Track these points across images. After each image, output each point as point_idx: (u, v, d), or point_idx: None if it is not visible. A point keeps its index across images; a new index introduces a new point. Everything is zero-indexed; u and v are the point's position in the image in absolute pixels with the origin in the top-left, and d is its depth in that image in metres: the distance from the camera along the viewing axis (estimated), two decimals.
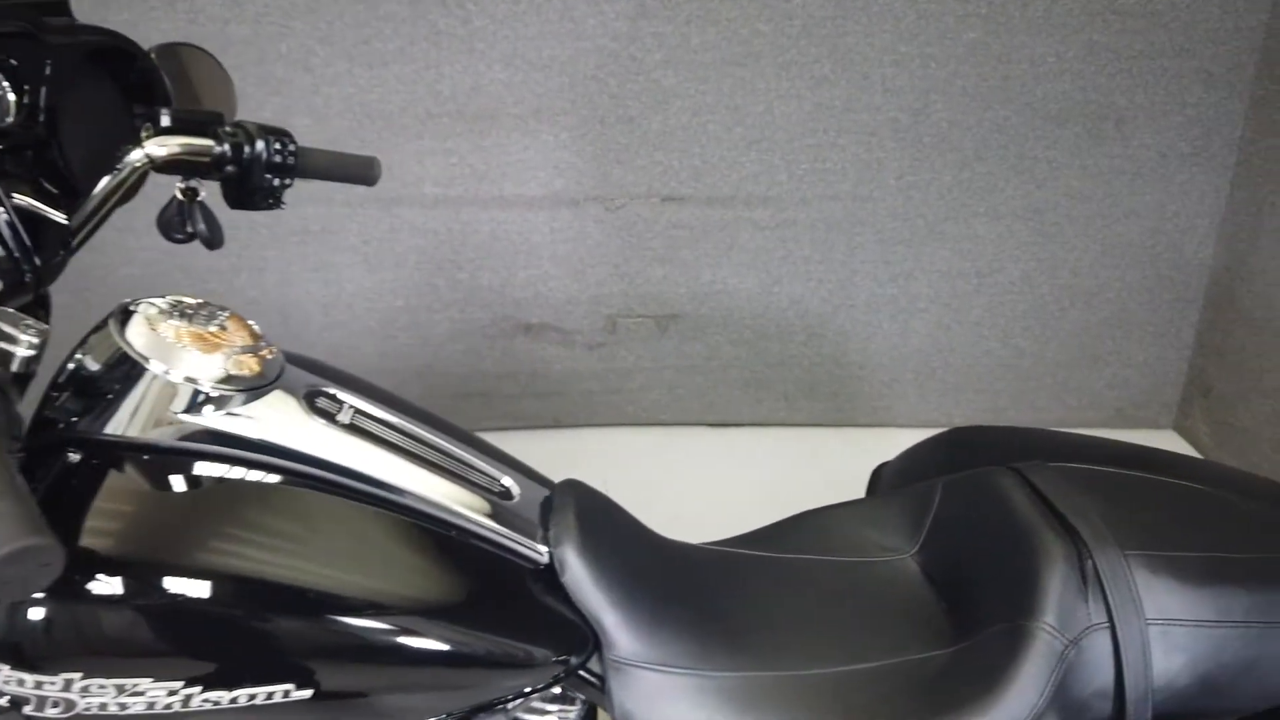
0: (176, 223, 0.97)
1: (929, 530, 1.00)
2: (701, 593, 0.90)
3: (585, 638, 0.83)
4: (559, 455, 2.78)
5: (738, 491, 2.52)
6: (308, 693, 0.71)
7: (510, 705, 0.85)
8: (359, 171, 1.05)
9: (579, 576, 0.82)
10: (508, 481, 0.91)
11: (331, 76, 2.32)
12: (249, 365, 0.82)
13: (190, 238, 0.98)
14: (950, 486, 1.01)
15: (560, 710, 0.90)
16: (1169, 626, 0.82)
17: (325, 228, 2.46)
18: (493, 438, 2.86)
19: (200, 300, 0.90)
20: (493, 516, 0.85)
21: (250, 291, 2.52)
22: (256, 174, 0.93)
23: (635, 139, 2.43)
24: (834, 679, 0.84)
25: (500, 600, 0.82)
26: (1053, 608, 0.82)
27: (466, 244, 2.54)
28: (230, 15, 2.24)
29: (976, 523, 0.95)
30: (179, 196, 0.96)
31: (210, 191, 1.02)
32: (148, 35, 2.34)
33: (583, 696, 0.89)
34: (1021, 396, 2.77)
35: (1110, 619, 0.81)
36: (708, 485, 2.62)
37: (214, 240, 0.96)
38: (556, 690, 0.88)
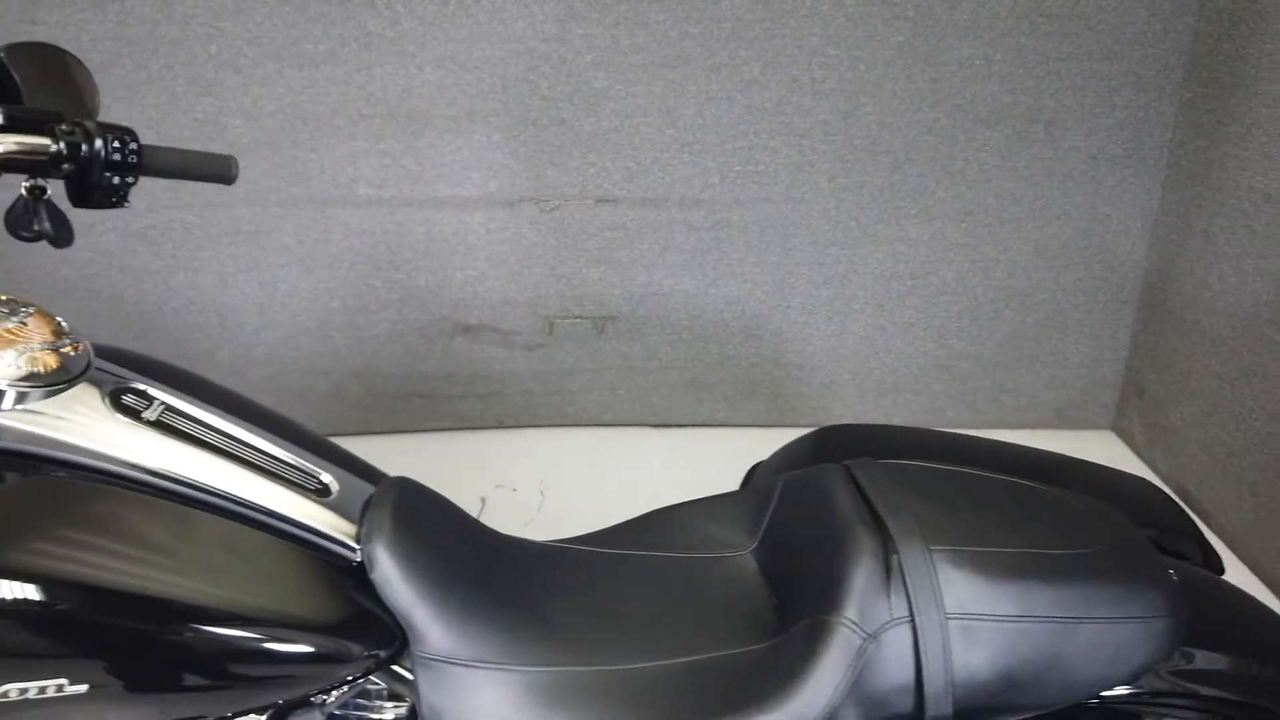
0: (23, 221, 0.98)
1: (766, 527, 1.01)
2: (525, 589, 0.91)
3: (393, 634, 0.84)
4: (500, 456, 2.79)
5: (679, 492, 2.51)
6: (82, 688, 0.71)
7: (326, 702, 0.86)
8: (214, 170, 1.05)
9: (387, 573, 0.83)
10: (327, 478, 0.91)
11: (262, 77, 2.32)
12: (46, 361, 0.83)
13: (37, 236, 0.98)
14: (788, 484, 1.02)
15: (394, 707, 0.91)
16: (970, 621, 0.83)
17: (259, 229, 2.47)
18: (435, 439, 2.87)
19: (6, 296, 0.90)
20: (304, 514, 0.85)
21: (187, 292, 2.53)
22: (96, 172, 0.93)
23: (568, 140, 2.44)
24: (646, 674, 0.85)
25: (305, 597, 0.82)
26: (854, 603, 0.83)
27: (402, 245, 2.54)
28: (160, 16, 2.25)
29: (803, 520, 0.96)
30: (24, 195, 0.96)
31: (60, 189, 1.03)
32: (77, 37, 2.35)
33: (405, 694, 0.90)
34: (960, 397, 2.79)
35: (911, 614, 0.83)
36: (649, 486, 2.62)
37: (60, 239, 0.96)
38: (380, 686, 0.89)
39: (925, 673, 0.82)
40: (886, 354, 2.73)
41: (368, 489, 0.93)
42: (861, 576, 0.84)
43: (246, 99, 2.34)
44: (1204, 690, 0.93)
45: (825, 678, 0.81)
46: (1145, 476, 2.57)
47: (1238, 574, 2.20)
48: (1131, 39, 2.38)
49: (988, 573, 0.84)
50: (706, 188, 2.50)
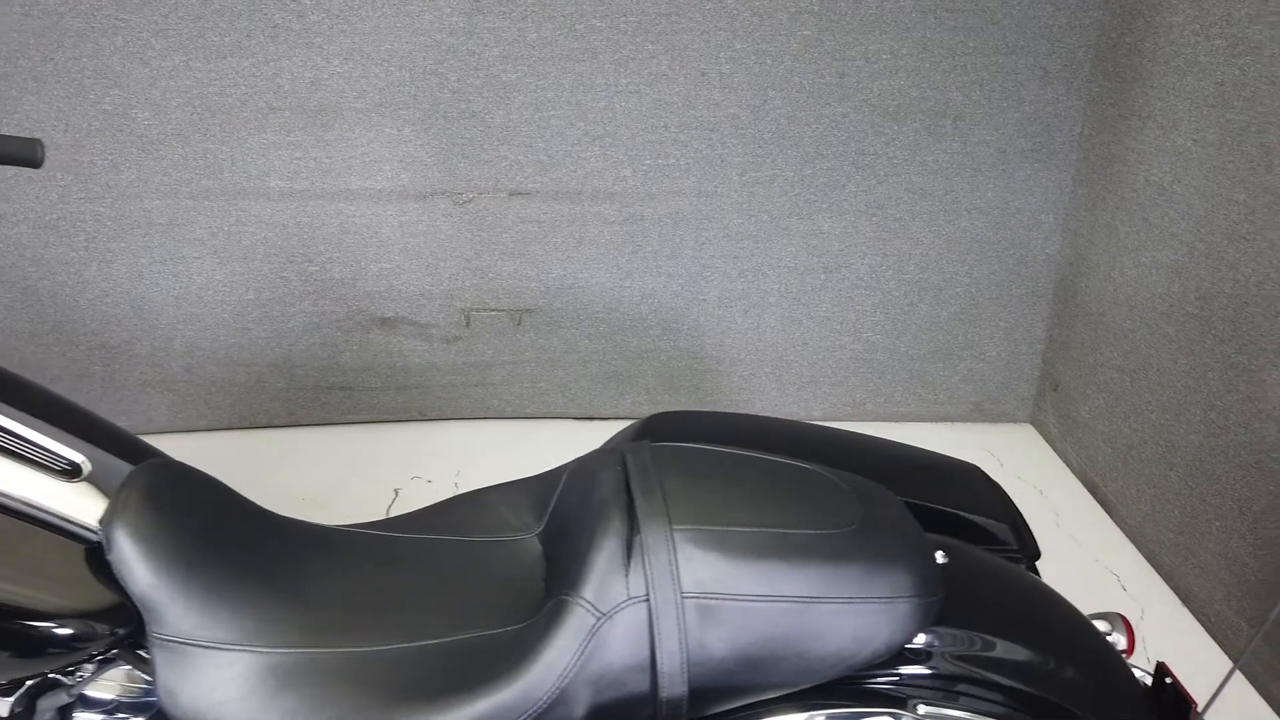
0: None
1: (551, 511, 1.02)
2: (287, 571, 0.92)
3: (131, 615, 0.85)
4: (421, 448, 2.80)
5: None
6: None
7: (70, 683, 0.87)
8: (19, 153, 1.06)
9: (124, 553, 0.83)
10: (78, 458, 0.92)
11: (169, 70, 2.33)
12: None
13: None
14: (573, 468, 1.03)
15: (144, 688, 0.92)
16: (707, 600, 0.84)
17: (171, 220, 2.48)
18: (358, 431, 2.87)
19: None
20: (45, 494, 0.86)
21: (101, 284, 2.53)
22: None
23: (479, 133, 2.45)
24: (389, 655, 0.86)
25: (39, 578, 0.83)
26: (592, 582, 0.84)
27: (315, 237, 2.55)
28: (65, 8, 2.25)
29: (576, 503, 0.97)
30: None
31: None
32: None
33: (148, 675, 0.91)
34: (878, 391, 2.80)
35: (648, 593, 0.84)
36: None
37: None
38: (127, 668, 0.90)
39: (658, 651, 0.83)
40: (804, 347, 2.75)
41: (124, 468, 0.93)
42: (603, 557, 0.85)
43: (155, 91, 2.35)
44: (996, 678, 0.93)
45: (555, 657, 0.82)
46: (1055, 469, 2.60)
47: (1136, 569, 2.22)
48: (1036, 32, 2.39)
49: (728, 551, 0.85)
50: (619, 181, 2.52)
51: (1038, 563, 1.23)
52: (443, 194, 2.52)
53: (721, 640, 0.84)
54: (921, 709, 0.89)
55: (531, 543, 1.01)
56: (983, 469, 1.32)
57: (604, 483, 0.93)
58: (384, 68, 2.38)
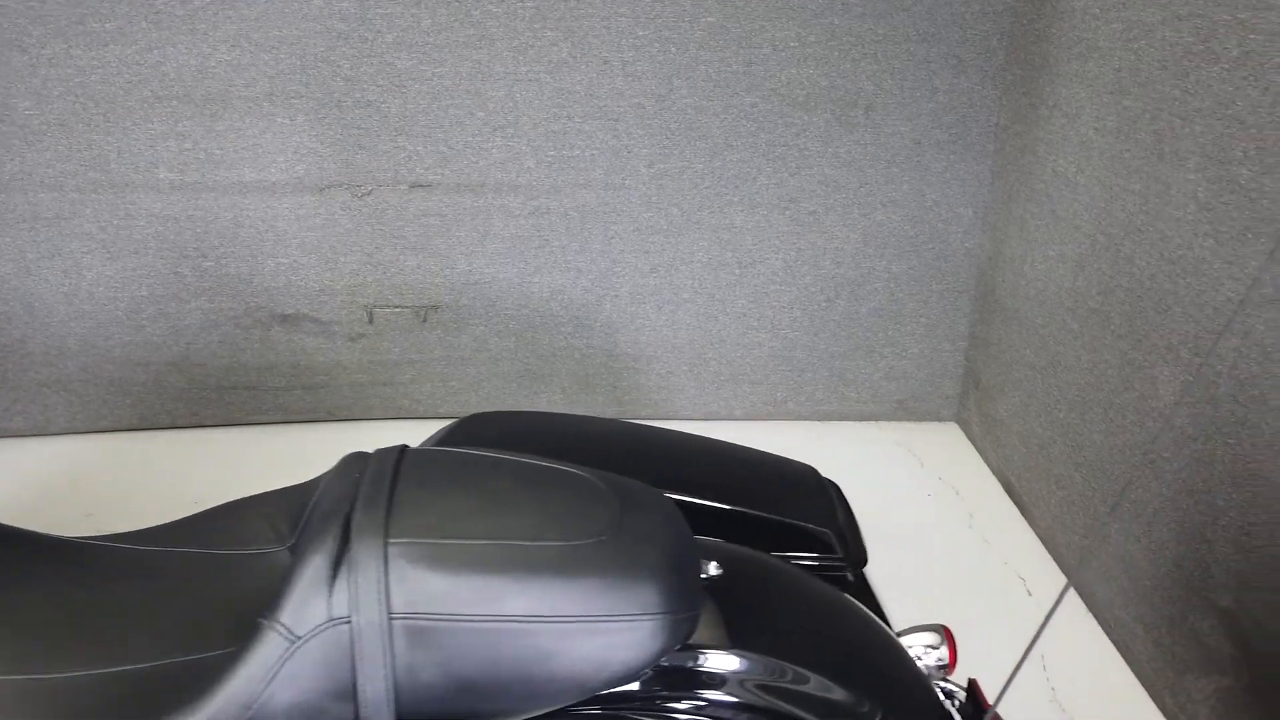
0: None
1: (303, 521, 0.95)
2: None
3: None
4: (328, 449, 2.70)
5: None
6: None
7: None
8: None
9: None
10: None
11: (49, 57, 2.24)
12: None
13: None
14: (329, 474, 0.96)
15: None
16: (419, 621, 0.76)
17: (58, 214, 2.39)
18: (266, 431, 2.79)
19: None
20: None
21: None
22: None
23: (375, 123, 2.37)
24: (86, 682, 0.78)
25: None
26: (290, 604, 0.76)
27: (209, 231, 2.47)
28: None
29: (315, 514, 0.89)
30: None
31: None
32: None
33: None
34: (799, 389, 2.73)
35: (350, 614, 0.76)
36: None
37: None
38: None
39: (360, 678, 0.75)
40: (721, 344, 2.67)
41: None
42: (306, 575, 0.77)
43: (35, 79, 2.26)
44: (762, 699, 0.86)
45: (240, 687, 0.74)
46: (976, 469, 2.53)
47: (1045, 573, 2.15)
48: (948, 19, 2.32)
49: (447, 567, 0.77)
50: (522, 173, 2.44)
51: (867, 568, 1.16)
52: (340, 186, 2.44)
53: (435, 665, 0.76)
54: None
55: (282, 556, 0.93)
56: (819, 471, 1.24)
57: (332, 492, 0.85)
58: (273, 55, 2.29)
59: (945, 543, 2.24)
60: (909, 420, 2.79)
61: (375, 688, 0.75)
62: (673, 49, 2.32)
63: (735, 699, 0.85)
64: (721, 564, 0.89)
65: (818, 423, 2.78)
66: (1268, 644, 1.45)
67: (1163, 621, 1.72)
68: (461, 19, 2.28)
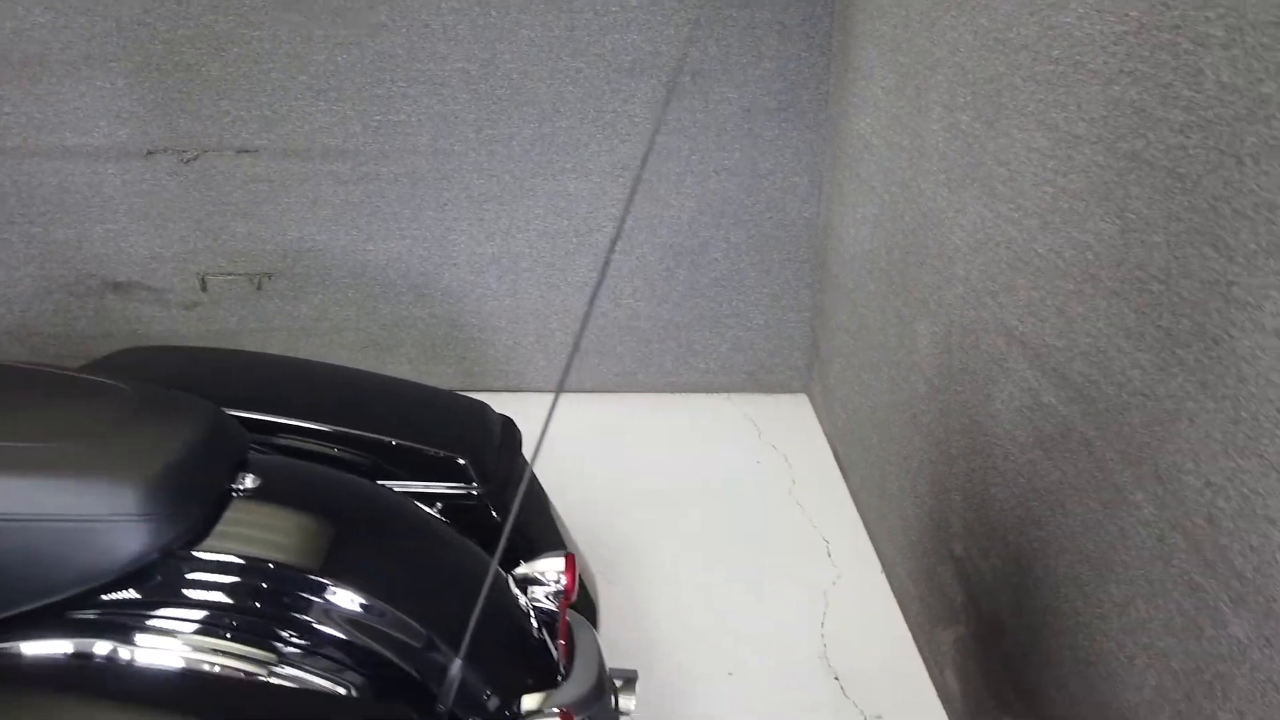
0: None
1: None
2: None
3: None
4: None
5: None
6: None
7: None
8: None
9: None
10: None
11: None
12: None
13: None
14: None
15: None
16: None
17: None
18: None
19: None
20: None
21: None
22: None
23: (197, 87, 2.35)
24: None
25: None
26: None
27: (34, 197, 2.44)
28: None
29: None
30: None
31: None
32: None
33: None
34: (647, 360, 2.72)
35: None
36: None
37: None
38: None
39: None
40: (564, 315, 2.66)
41: None
42: None
43: None
44: (248, 602, 0.83)
45: None
46: (813, 436, 2.52)
47: (852, 536, 2.15)
48: None
49: None
50: (349, 138, 2.42)
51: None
52: (165, 151, 2.42)
53: None
54: (139, 638, 0.81)
55: None
56: (491, 408, 1.23)
57: None
58: (88, 18, 2.27)
59: (761, 507, 2.24)
60: (759, 392, 2.79)
61: None
62: (493, 13, 2.31)
63: (238, 604, 0.84)
64: (268, 479, 0.88)
65: (669, 394, 2.78)
66: (986, 591, 1.44)
67: (921, 573, 1.72)
68: None
